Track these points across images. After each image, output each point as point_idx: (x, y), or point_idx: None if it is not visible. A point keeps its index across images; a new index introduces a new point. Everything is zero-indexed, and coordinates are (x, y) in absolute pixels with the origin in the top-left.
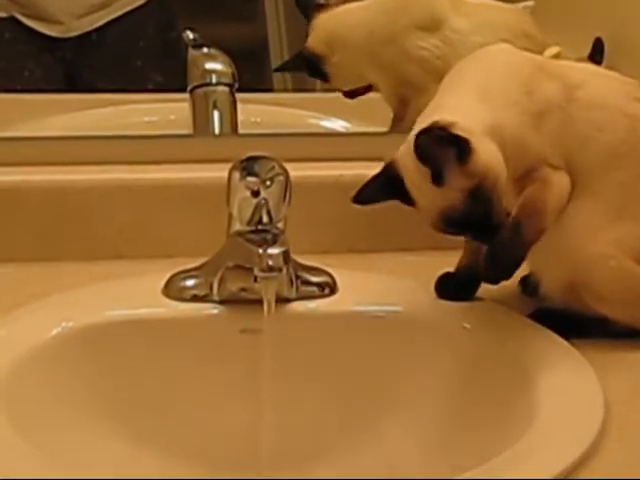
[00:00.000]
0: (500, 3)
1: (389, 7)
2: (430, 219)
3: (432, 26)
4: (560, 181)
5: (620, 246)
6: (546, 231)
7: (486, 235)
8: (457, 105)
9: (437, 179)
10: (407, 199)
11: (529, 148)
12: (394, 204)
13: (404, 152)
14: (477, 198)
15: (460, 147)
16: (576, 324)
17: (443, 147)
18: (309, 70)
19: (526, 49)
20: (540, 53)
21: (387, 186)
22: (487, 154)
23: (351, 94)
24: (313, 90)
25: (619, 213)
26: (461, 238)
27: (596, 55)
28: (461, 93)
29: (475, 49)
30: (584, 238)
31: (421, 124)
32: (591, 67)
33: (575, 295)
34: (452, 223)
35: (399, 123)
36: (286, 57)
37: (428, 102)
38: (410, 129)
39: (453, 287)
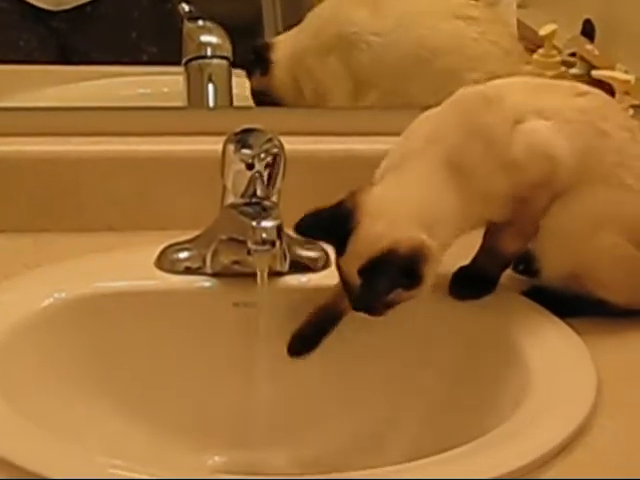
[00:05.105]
0: None
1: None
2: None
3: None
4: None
5: (623, 232)
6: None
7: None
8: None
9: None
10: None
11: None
12: None
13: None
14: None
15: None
16: (572, 304)
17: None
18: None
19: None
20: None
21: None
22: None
23: None
24: None
25: (621, 200)
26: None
27: (586, 37)
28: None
29: (399, 46)
30: (590, 226)
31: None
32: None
33: (577, 279)
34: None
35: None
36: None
37: None
38: None
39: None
